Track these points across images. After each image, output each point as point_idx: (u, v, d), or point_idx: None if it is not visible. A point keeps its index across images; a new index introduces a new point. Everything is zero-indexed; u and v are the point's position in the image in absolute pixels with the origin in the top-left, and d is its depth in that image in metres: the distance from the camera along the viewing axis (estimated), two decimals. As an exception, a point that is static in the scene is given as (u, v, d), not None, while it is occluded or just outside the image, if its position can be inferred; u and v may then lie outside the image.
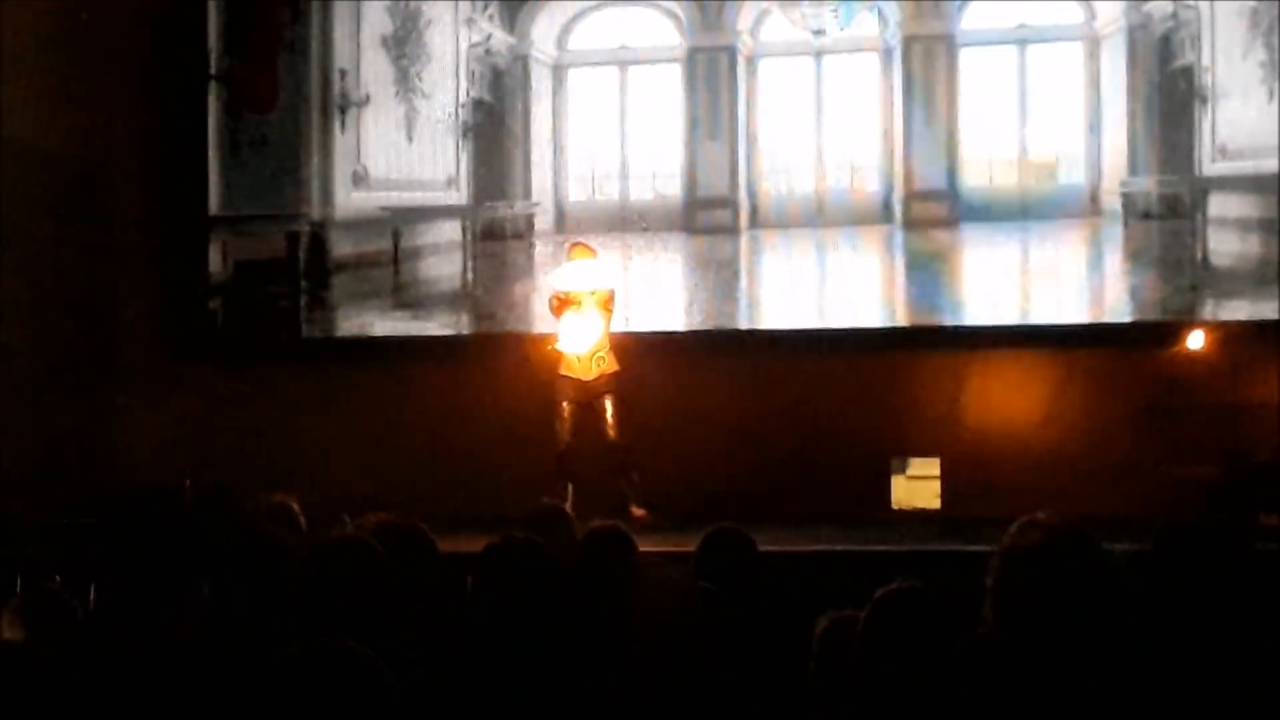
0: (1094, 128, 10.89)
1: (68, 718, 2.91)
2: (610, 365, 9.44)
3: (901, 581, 3.28)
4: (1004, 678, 2.82)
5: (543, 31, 11.60)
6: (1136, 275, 10.85)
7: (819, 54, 11.29)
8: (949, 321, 11.02)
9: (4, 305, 10.39)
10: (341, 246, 11.61)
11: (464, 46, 11.59)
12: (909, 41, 11.16)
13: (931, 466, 10.37)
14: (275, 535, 3.98)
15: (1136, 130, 10.81)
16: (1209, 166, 10.66)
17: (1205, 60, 10.67)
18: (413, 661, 3.11)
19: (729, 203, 11.32)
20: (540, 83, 11.59)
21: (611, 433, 9.39)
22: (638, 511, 9.21)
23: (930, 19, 11.18)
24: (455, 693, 3.60)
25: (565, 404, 9.40)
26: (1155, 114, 10.79)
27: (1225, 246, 10.68)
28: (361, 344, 11.47)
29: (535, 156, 11.52)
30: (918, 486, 10.35)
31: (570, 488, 9.14)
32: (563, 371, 9.42)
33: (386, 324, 11.54)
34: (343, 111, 11.62)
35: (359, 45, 11.62)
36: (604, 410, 9.37)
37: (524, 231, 11.53)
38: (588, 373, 9.37)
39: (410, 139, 11.59)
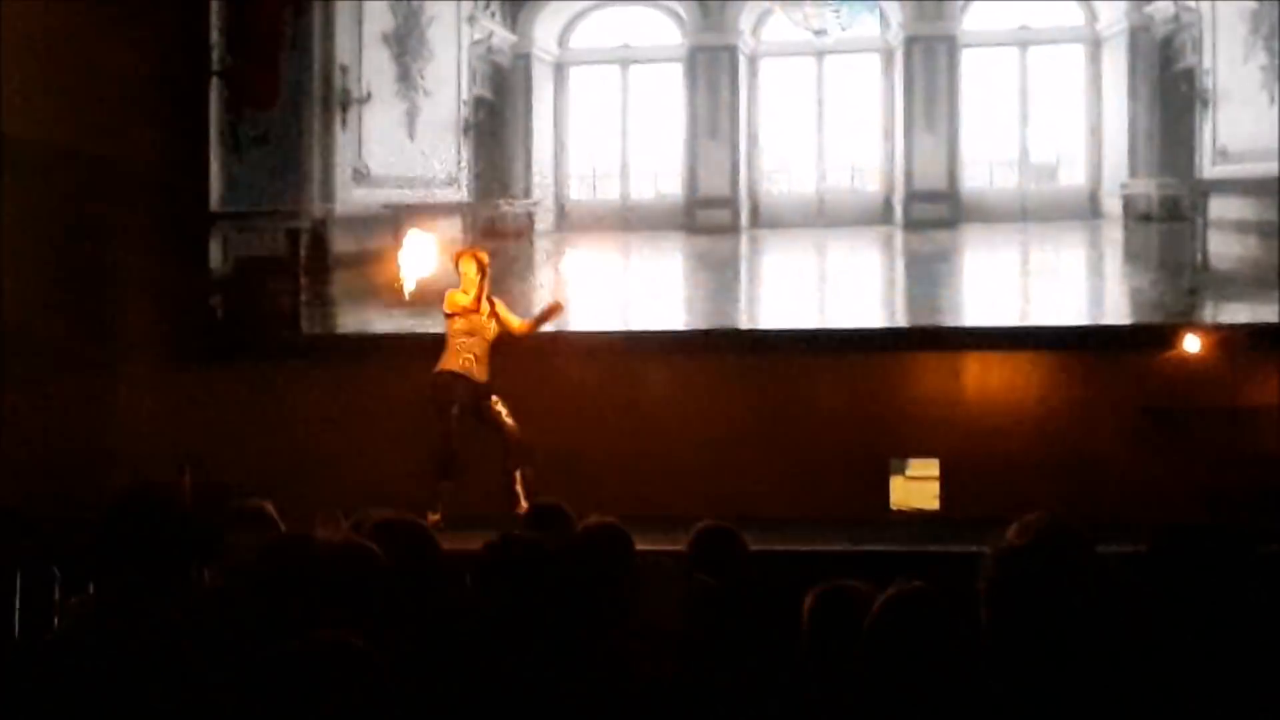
0: (1094, 130, 10.90)
1: (65, 712, 2.91)
2: (493, 366, 9.42)
3: (907, 582, 3.27)
4: (998, 678, 2.83)
5: (544, 30, 11.61)
6: (1136, 277, 10.86)
7: (820, 54, 11.30)
8: (949, 322, 11.02)
9: (5, 300, 10.39)
10: (342, 243, 11.62)
11: (466, 44, 11.59)
12: (910, 42, 11.16)
13: (930, 467, 10.37)
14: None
15: (1137, 132, 10.82)
16: (1209, 169, 10.67)
17: (1206, 63, 10.67)
18: (412, 658, 3.12)
19: (729, 202, 11.32)
20: (541, 81, 11.59)
21: (510, 430, 9.32)
22: (524, 506, 8.80)
23: (932, 20, 11.19)
24: (455, 690, 3.61)
25: (455, 406, 9.29)
26: (1156, 116, 10.80)
27: (1225, 249, 10.69)
28: (362, 341, 11.46)
29: (536, 155, 11.52)
30: (917, 487, 10.35)
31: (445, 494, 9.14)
32: (458, 370, 9.35)
33: (387, 321, 11.54)
34: (344, 108, 11.62)
35: (360, 42, 11.63)
36: (496, 408, 9.35)
37: (525, 229, 11.54)
38: (483, 375, 9.35)
39: (411, 136, 11.60)
